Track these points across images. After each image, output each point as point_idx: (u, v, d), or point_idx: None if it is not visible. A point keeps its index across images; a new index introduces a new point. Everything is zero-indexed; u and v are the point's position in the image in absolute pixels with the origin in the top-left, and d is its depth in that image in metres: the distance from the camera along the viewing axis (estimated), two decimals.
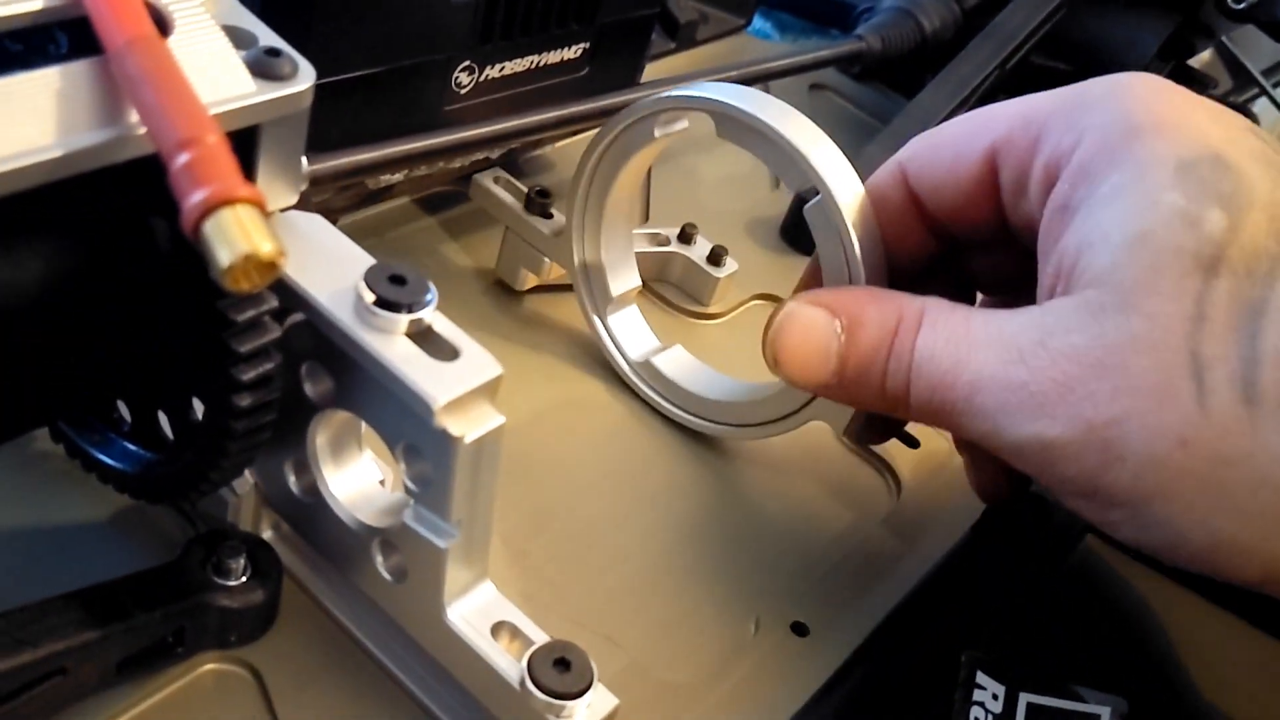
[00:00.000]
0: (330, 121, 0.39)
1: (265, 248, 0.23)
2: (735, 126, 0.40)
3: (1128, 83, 0.35)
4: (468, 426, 0.29)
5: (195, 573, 0.32)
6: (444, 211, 0.52)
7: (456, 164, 0.47)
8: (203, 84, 0.26)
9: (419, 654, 0.33)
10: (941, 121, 0.61)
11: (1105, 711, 0.38)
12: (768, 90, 0.52)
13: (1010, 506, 0.44)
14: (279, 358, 0.29)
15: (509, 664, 0.31)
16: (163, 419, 0.33)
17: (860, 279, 0.39)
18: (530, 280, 0.49)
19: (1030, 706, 0.38)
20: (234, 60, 0.27)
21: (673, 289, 0.52)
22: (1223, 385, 0.30)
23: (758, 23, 0.77)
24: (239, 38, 0.28)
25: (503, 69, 0.45)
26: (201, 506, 0.36)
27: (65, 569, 0.34)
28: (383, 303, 0.29)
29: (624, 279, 0.47)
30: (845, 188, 0.39)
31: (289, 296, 0.30)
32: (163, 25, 0.26)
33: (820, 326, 0.36)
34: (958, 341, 0.34)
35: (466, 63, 0.43)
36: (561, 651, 0.31)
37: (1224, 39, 0.80)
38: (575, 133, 0.51)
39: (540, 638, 0.32)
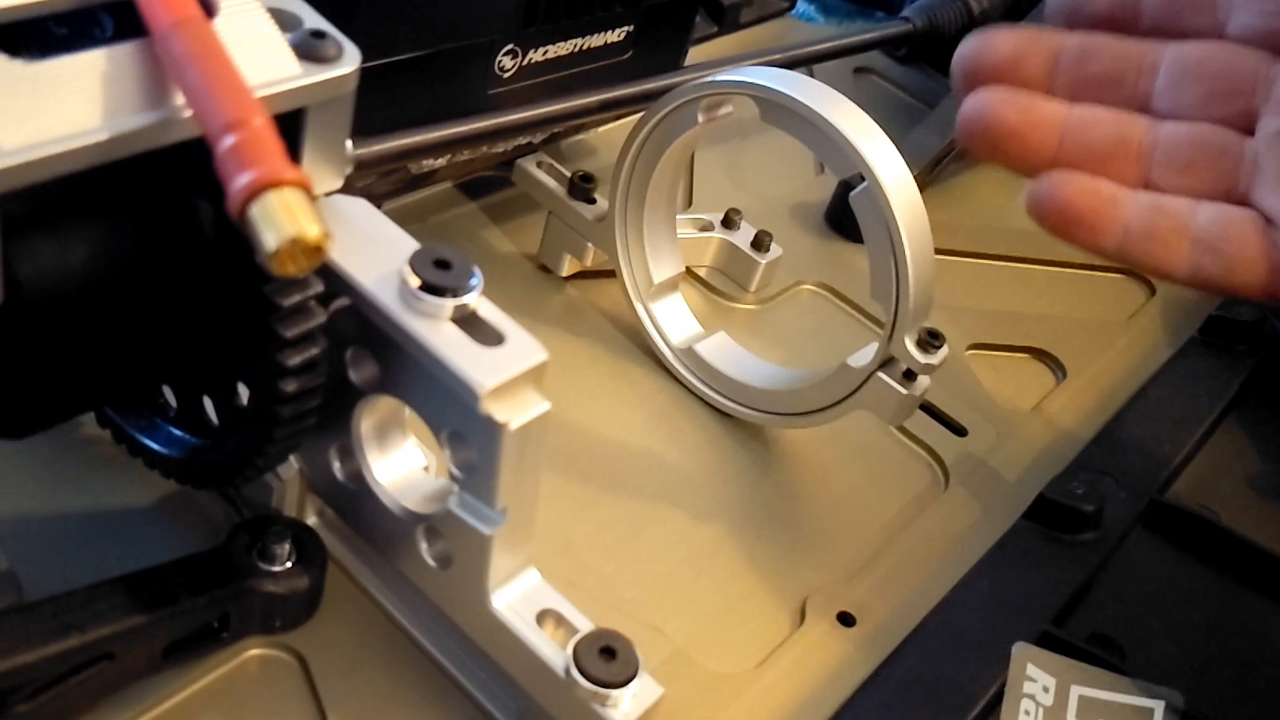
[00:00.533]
0: (373, 105, 0.38)
1: (312, 231, 0.23)
2: (780, 112, 0.40)
3: None
4: (513, 412, 0.29)
5: (241, 558, 0.32)
6: (487, 196, 0.52)
7: (499, 149, 0.47)
8: (248, 66, 0.26)
9: (463, 640, 0.33)
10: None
11: (1159, 705, 0.38)
12: (812, 74, 0.51)
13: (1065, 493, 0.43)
14: (324, 343, 0.29)
15: (554, 652, 0.31)
16: (208, 405, 0.33)
17: (907, 267, 0.38)
18: (573, 266, 0.48)
19: (1082, 699, 0.37)
20: (279, 42, 0.27)
21: (716, 274, 0.52)
22: None
23: (801, 6, 0.76)
24: (284, 20, 0.28)
25: (546, 52, 0.44)
26: (246, 492, 0.36)
27: (111, 553, 0.34)
28: (428, 287, 0.29)
29: (667, 265, 0.47)
30: (892, 174, 0.38)
31: (334, 281, 0.30)
32: (208, 7, 0.26)
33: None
34: None
35: (510, 46, 0.42)
36: (607, 640, 0.31)
37: None
38: (618, 117, 0.51)
39: (585, 626, 0.31)
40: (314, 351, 0.29)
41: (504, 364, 0.29)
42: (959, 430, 0.48)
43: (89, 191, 0.27)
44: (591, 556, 0.39)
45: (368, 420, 0.33)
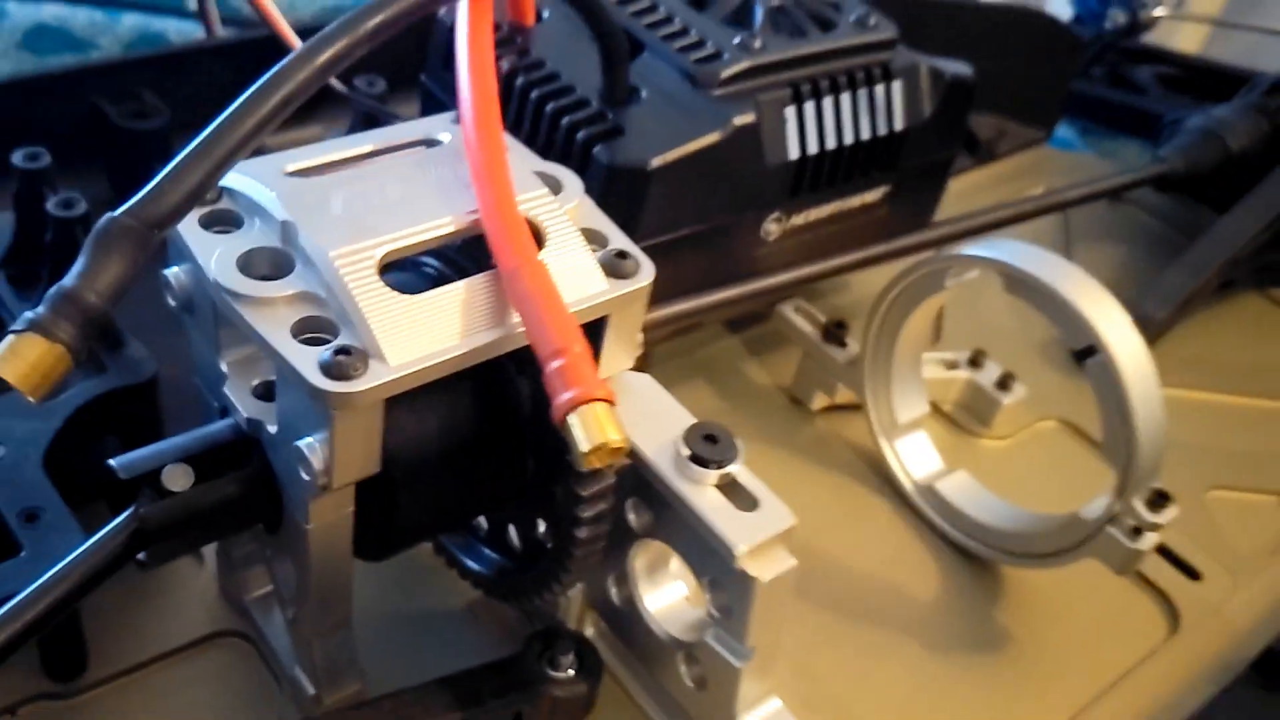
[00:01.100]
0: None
1: (615, 439, 0.29)
2: (1022, 284, 0.43)
3: None
4: (764, 569, 0.34)
5: (534, 666, 0.39)
6: (746, 330, 0.57)
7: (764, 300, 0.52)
8: (568, 286, 0.32)
9: None
10: (1249, 243, 0.61)
11: None
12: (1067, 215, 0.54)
13: None
14: (614, 500, 0.35)
15: None
16: (511, 531, 0.40)
17: (1135, 435, 0.41)
18: (823, 401, 0.53)
19: None
20: (592, 265, 0.33)
21: (961, 410, 0.55)
22: None
23: (1061, 130, 0.78)
24: (594, 237, 0.35)
25: (808, 216, 0.50)
26: (536, 606, 0.43)
27: (430, 647, 0.41)
28: (696, 458, 0.35)
29: (912, 406, 0.51)
30: (1126, 348, 0.41)
31: None
32: (539, 238, 0.33)
33: None
34: None
35: (776, 213, 0.48)
36: None
37: None
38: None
39: None
40: (603, 506, 0.35)
41: (759, 528, 0.34)
42: (1193, 574, 0.49)
43: (441, 382, 0.34)
44: (830, 682, 0.43)
45: (641, 559, 0.39)
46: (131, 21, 0.76)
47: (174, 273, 0.33)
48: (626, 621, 0.40)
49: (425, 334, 0.31)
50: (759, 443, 0.50)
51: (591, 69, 0.45)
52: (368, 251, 0.31)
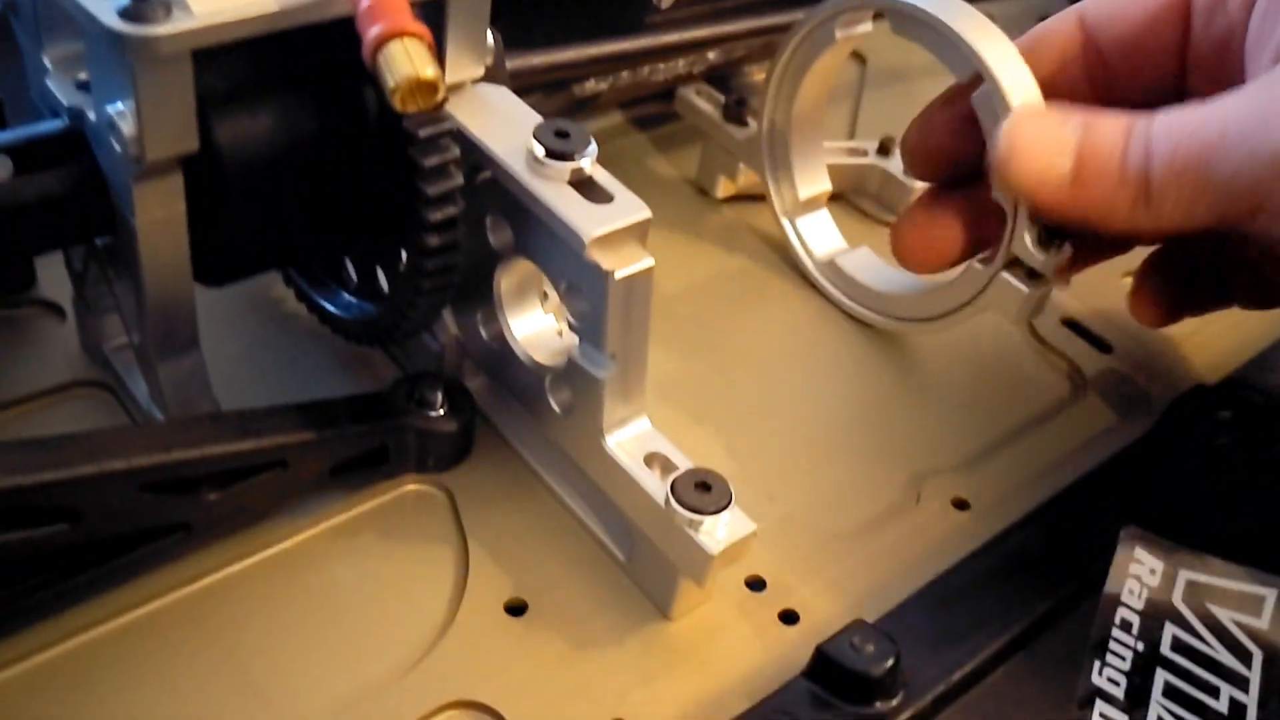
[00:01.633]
0: (535, 26, 0.44)
1: (427, 73, 0.27)
2: (907, 21, 0.42)
3: None
4: (618, 263, 0.33)
5: (399, 402, 0.38)
6: (654, 129, 0.56)
7: (660, 78, 0.51)
8: None
9: (586, 484, 0.37)
10: None
11: (1272, 594, 0.38)
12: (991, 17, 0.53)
13: (1202, 398, 0.43)
14: (462, 203, 0.34)
15: (656, 485, 0.34)
16: (380, 276, 0.38)
17: None
18: (727, 188, 0.52)
19: (1189, 584, 0.38)
20: None
21: (871, 200, 0.54)
22: None
23: None
24: None
25: None
26: (413, 358, 0.41)
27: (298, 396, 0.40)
28: (550, 153, 0.33)
29: (813, 183, 0.49)
30: (1011, 74, 0.40)
31: (474, 153, 0.34)
32: None
33: (1055, 125, 0.36)
34: (1195, 110, 0.34)
35: None
36: (703, 476, 0.34)
37: None
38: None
39: (687, 466, 0.35)
40: (452, 210, 0.34)
41: (610, 217, 0.33)
42: (1105, 346, 0.48)
43: (274, 74, 0.33)
44: (720, 432, 0.42)
45: (506, 282, 0.37)
46: None
47: None
48: (499, 361, 0.39)
49: None
50: (664, 230, 0.48)
51: None
52: None
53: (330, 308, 0.40)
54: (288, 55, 0.33)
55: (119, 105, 0.29)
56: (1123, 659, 0.36)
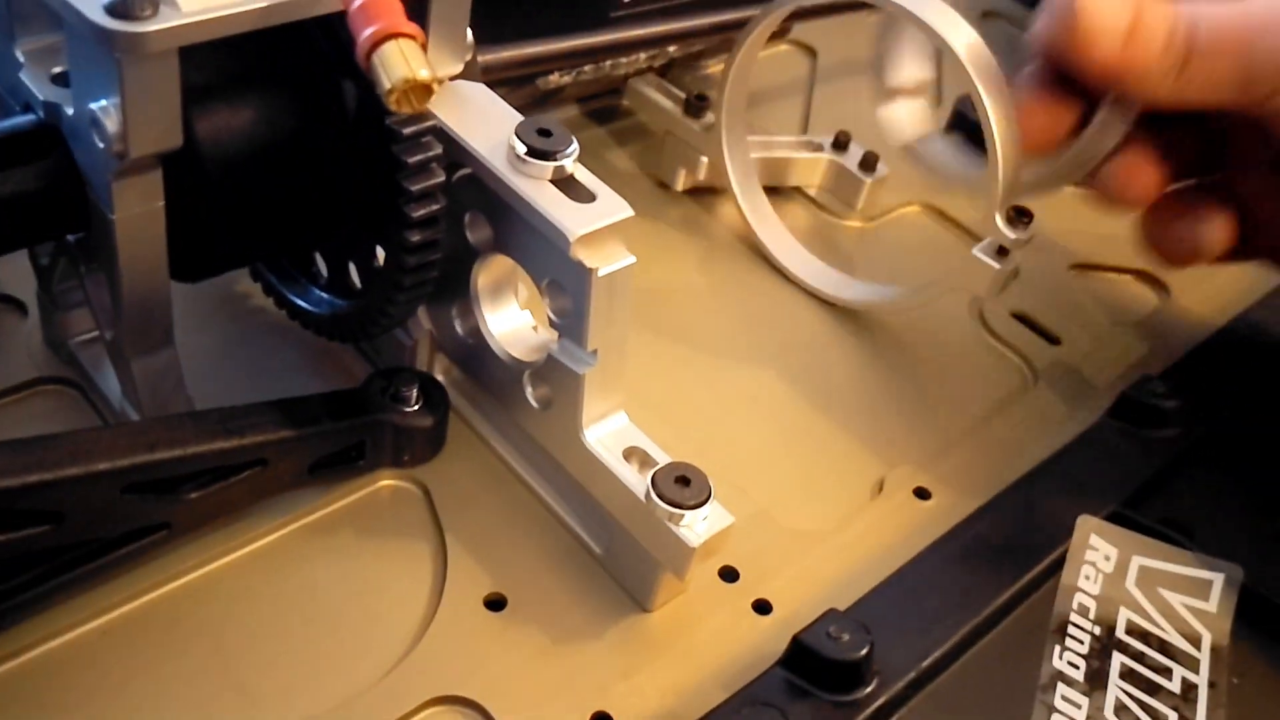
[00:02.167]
0: (505, 20, 0.44)
1: (422, 73, 0.27)
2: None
3: None
4: (601, 260, 0.33)
5: (375, 397, 0.38)
6: (611, 123, 0.56)
7: (621, 73, 0.51)
8: None
9: (562, 478, 0.38)
10: None
11: (1219, 578, 0.39)
12: None
13: (1148, 388, 0.45)
14: (444, 201, 0.34)
15: (636, 479, 0.35)
16: (353, 271, 0.38)
17: (995, 146, 0.41)
18: (688, 180, 0.52)
19: (1142, 569, 0.39)
20: None
21: (826, 194, 0.55)
22: None
23: None
24: None
25: None
26: (384, 354, 0.41)
27: (271, 392, 0.39)
28: (532, 151, 0.33)
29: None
30: (965, 46, 0.41)
31: (455, 150, 0.34)
32: None
33: None
34: (1240, 2, 0.39)
35: None
36: (683, 470, 0.35)
37: None
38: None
39: (665, 460, 0.35)
40: (434, 207, 0.34)
41: (594, 216, 0.33)
42: (1053, 339, 0.50)
43: (255, 69, 0.33)
44: (690, 425, 0.43)
45: (483, 278, 0.37)
46: None
47: None
48: (474, 356, 0.39)
49: None
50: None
51: None
52: None
53: (301, 303, 0.40)
54: (267, 50, 0.33)
55: (103, 102, 0.29)
56: (1081, 643, 0.37)
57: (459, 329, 0.39)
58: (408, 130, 0.32)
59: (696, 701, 0.34)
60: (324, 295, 0.39)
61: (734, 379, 0.46)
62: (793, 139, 0.54)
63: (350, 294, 0.39)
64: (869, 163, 0.54)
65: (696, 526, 0.34)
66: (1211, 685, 0.37)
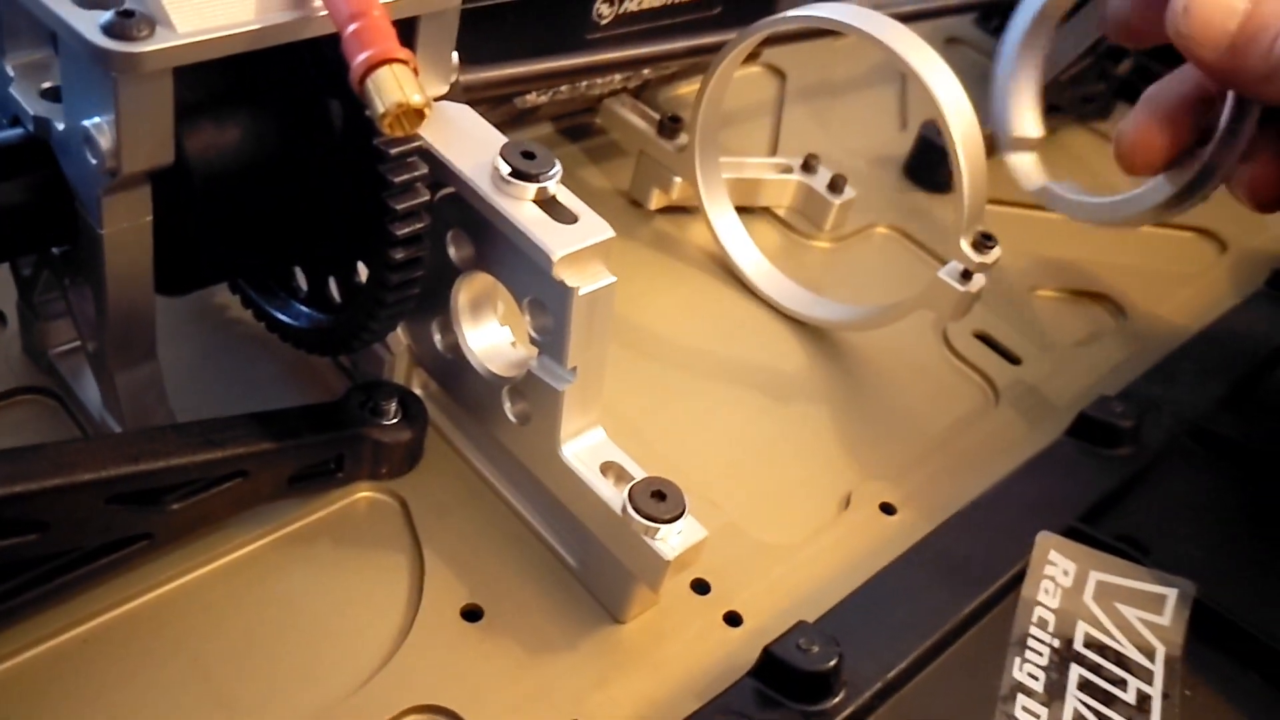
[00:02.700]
0: (485, 39, 0.44)
1: (415, 98, 0.28)
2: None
3: None
4: (582, 280, 0.34)
5: (355, 411, 0.38)
6: (584, 140, 0.57)
7: (596, 93, 0.52)
8: None
9: (539, 493, 0.38)
10: (1068, 67, 0.63)
11: (1173, 593, 0.41)
12: None
13: (1105, 408, 0.46)
14: (428, 219, 0.35)
15: (613, 494, 0.36)
16: (333, 286, 0.39)
17: (962, 172, 0.42)
18: (660, 200, 0.53)
19: (1099, 584, 0.41)
20: None
21: (795, 214, 0.56)
22: None
23: None
24: None
25: (641, 2, 0.49)
26: (362, 367, 0.42)
27: (250, 403, 0.40)
28: (515, 173, 0.34)
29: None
30: (940, 79, 0.42)
31: (439, 170, 0.35)
32: None
33: None
34: None
35: None
36: (658, 485, 0.35)
37: None
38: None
39: (641, 475, 0.36)
40: (419, 225, 0.34)
41: (576, 237, 0.34)
42: (1014, 359, 0.51)
43: (244, 88, 0.33)
44: (662, 440, 0.44)
45: (464, 295, 0.38)
46: None
47: None
48: (452, 371, 0.40)
49: (217, 5, 0.29)
50: None
51: None
52: None
53: (280, 316, 0.40)
54: (256, 69, 0.33)
55: (96, 119, 0.29)
56: (1040, 655, 0.38)
57: (439, 344, 0.39)
58: (394, 150, 0.33)
59: (669, 711, 0.35)
60: (304, 309, 0.40)
61: (705, 395, 0.47)
62: (763, 161, 0.55)
63: (330, 308, 0.39)
64: (837, 185, 0.55)
65: (671, 540, 0.35)
66: (1165, 697, 0.38)
